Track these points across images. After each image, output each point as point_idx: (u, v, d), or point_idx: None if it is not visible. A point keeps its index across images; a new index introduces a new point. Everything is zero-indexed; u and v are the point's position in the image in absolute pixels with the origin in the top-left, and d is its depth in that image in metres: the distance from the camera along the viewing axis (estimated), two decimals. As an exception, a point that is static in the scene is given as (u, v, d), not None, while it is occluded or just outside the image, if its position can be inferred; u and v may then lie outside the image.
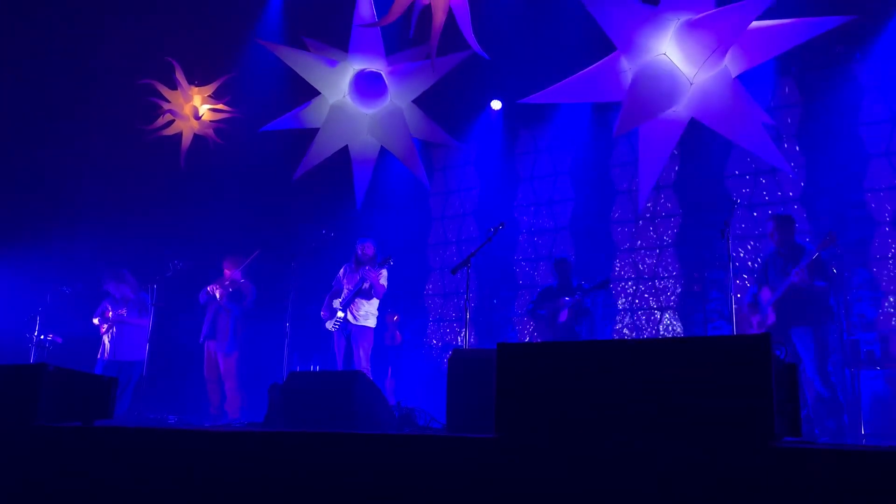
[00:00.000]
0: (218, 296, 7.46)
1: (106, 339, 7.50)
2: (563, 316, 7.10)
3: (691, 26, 5.89)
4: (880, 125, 7.29)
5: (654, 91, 6.14)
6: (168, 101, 8.51)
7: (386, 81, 7.50)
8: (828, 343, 5.75)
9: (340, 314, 6.87)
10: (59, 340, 7.84)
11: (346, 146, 7.95)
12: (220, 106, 8.70)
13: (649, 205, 8.45)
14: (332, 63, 7.42)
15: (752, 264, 7.67)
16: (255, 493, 3.18)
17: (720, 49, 5.85)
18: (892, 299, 7.00)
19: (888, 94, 7.26)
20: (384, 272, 6.92)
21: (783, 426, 2.57)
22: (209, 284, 7.59)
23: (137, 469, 3.49)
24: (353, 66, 7.49)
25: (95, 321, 7.64)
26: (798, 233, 7.37)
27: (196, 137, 8.75)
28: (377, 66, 7.48)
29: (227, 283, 7.57)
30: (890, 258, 7.09)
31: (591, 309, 7.26)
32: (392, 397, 7.94)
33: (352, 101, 7.61)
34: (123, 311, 7.49)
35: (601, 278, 7.29)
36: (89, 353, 7.66)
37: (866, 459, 2.21)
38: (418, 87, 7.66)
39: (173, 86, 8.47)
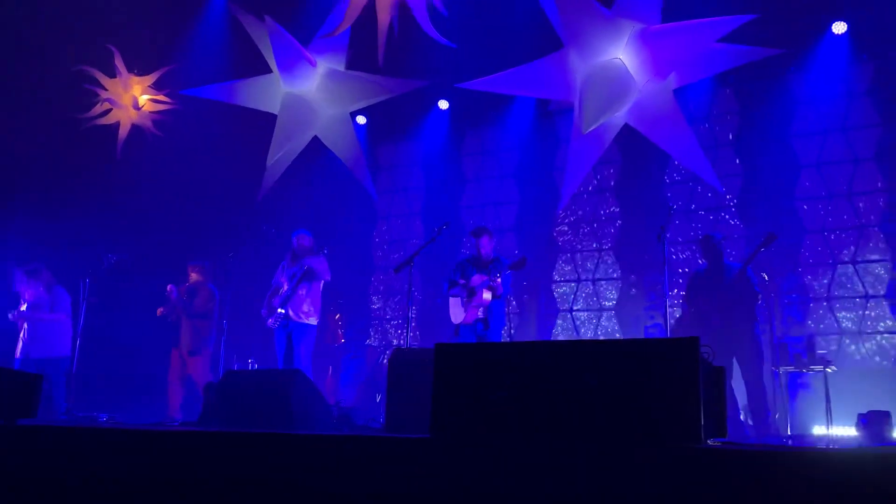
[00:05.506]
0: (173, 298, 7.32)
1: (21, 336, 7.15)
2: (483, 297, 5.86)
3: (653, 35, 5.98)
4: (811, 137, 7.57)
5: (607, 91, 6.24)
6: (106, 90, 8.24)
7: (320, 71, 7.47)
8: (758, 347, 5.93)
9: (281, 310, 6.78)
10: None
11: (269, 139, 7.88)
12: (160, 97, 8.48)
13: (575, 212, 8.57)
14: (312, 62, 7.33)
15: (685, 269, 7.87)
16: (188, 493, 3.11)
17: (678, 61, 5.98)
18: (815, 304, 7.28)
19: (819, 108, 7.55)
20: (323, 259, 6.86)
21: (710, 427, 2.65)
22: (171, 284, 7.48)
23: (63, 469, 3.38)
24: (321, 66, 7.44)
25: (11, 318, 7.30)
26: (732, 239, 7.61)
27: (133, 128, 8.50)
28: (337, 64, 7.45)
29: (185, 286, 7.46)
30: (818, 264, 7.37)
31: (501, 286, 5.92)
32: (332, 397, 7.88)
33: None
34: (24, 307, 7.12)
35: (519, 256, 5.94)
36: (10, 349, 7.34)
37: (791, 460, 2.28)
38: (368, 98, 7.67)
39: (112, 73, 8.21)
